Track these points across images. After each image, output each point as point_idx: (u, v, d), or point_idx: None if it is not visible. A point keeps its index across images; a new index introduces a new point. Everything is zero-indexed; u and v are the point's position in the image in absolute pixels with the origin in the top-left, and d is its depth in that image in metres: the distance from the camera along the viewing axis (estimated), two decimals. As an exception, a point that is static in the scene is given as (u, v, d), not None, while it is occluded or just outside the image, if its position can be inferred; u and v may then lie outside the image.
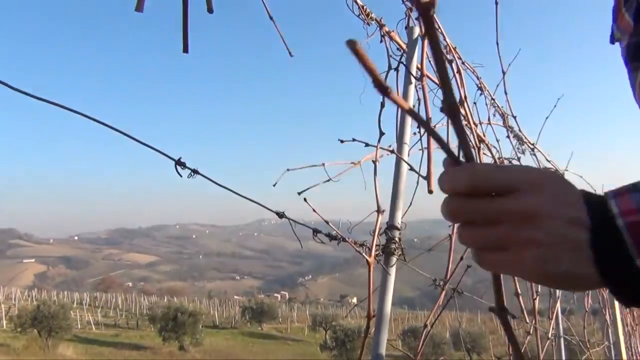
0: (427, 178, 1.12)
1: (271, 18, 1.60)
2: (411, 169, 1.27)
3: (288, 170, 2.10)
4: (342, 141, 1.43)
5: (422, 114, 1.51)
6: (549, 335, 2.68)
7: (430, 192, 1.10)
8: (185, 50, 0.80)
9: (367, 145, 1.36)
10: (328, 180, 1.88)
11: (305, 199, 1.28)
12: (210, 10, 0.73)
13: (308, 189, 1.83)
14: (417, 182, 1.20)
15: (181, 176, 0.79)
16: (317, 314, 27.89)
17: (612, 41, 0.89)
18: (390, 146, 1.77)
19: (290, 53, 1.64)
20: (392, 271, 1.23)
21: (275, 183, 2.04)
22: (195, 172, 0.82)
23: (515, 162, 2.94)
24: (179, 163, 0.78)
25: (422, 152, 1.75)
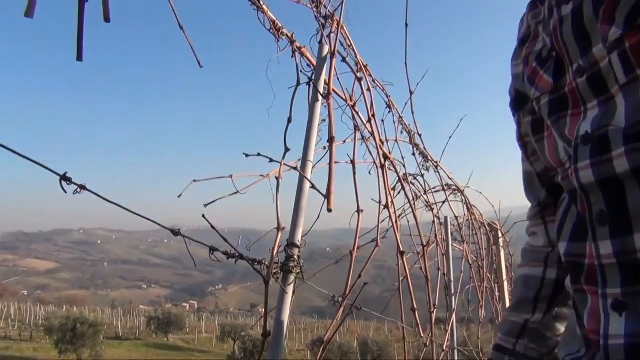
0: (327, 196, 1.14)
1: (181, 27, 1.57)
2: (313, 187, 1.28)
3: (195, 181, 2.06)
4: (247, 155, 1.42)
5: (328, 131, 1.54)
6: (444, 347, 2.81)
7: (329, 210, 1.12)
8: (80, 58, 0.76)
9: (271, 160, 1.36)
10: (235, 193, 1.86)
11: (203, 215, 1.26)
12: (107, 19, 0.70)
13: (214, 201, 1.79)
14: (323, 203, 1.22)
15: (66, 192, 0.74)
16: (226, 324, 27.46)
17: (513, 105, 0.98)
18: (299, 161, 1.78)
19: (199, 64, 1.61)
20: (290, 289, 1.24)
21: (180, 194, 1.99)
22: (82, 187, 0.77)
23: (419, 179, 3.07)
24: (64, 178, 0.74)
25: (329, 167, 1.78)
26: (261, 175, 1.92)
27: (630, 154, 0.64)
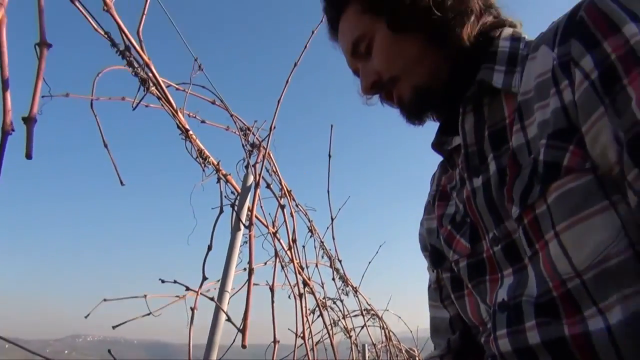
0: (242, 331, 1.11)
1: (105, 146, 1.58)
2: (228, 319, 1.26)
3: (105, 300, 1.96)
4: (163, 281, 1.39)
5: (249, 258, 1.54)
6: None
7: (243, 346, 1.09)
8: (29, 156, 0.74)
9: (187, 289, 1.33)
10: (148, 314, 1.78)
11: (109, 350, 1.19)
12: (28, 156, 0.70)
13: (124, 322, 1.70)
14: (235, 336, 1.18)
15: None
16: None
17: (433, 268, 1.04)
18: (218, 281, 1.75)
19: (121, 182, 1.61)
20: None
21: (88, 314, 1.87)
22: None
23: (338, 303, 3.07)
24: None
25: (245, 300, 1.76)
26: (177, 297, 1.86)
27: (540, 327, 0.69)
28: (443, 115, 0.98)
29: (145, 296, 1.88)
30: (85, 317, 1.89)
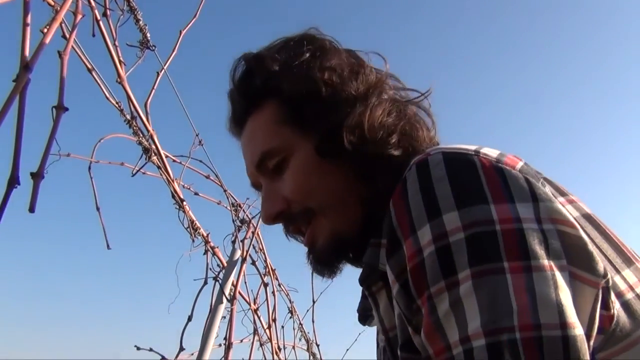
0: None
1: (98, 209, 1.62)
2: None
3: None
4: (138, 348, 1.37)
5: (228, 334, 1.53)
6: None
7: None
8: (32, 210, 0.77)
9: (163, 358, 1.31)
10: (116, 385, 1.73)
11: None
12: (32, 209, 0.74)
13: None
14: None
15: None
16: None
17: None
18: (192, 354, 1.72)
19: (108, 246, 1.62)
20: None
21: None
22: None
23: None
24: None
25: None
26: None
27: None
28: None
29: (114, 366, 1.84)
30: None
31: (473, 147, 0.62)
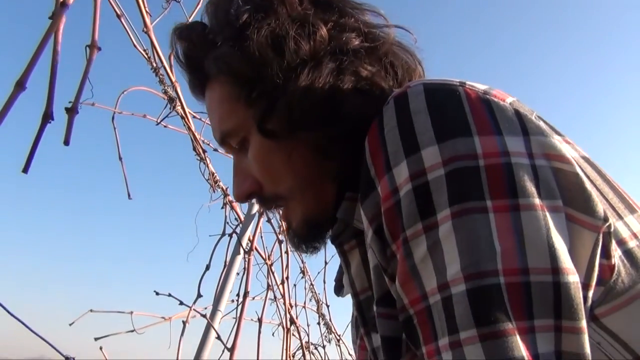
0: (231, 350, 1.13)
1: (120, 159, 1.64)
2: (218, 337, 1.28)
3: (91, 311, 1.96)
4: (157, 293, 1.41)
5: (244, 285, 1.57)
6: None
7: (231, 364, 1.11)
8: (25, 170, 0.80)
9: (181, 303, 1.35)
10: (132, 331, 1.78)
11: (101, 348, 1.20)
12: (67, 142, 0.76)
13: (107, 336, 1.71)
14: (222, 352, 1.20)
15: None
16: None
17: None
18: (205, 308, 1.77)
19: (129, 195, 1.66)
20: None
21: (73, 322, 1.88)
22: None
23: (320, 349, 3.04)
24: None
25: (235, 321, 1.77)
26: (162, 318, 1.87)
27: None
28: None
29: (131, 313, 1.89)
30: (70, 324, 1.89)
31: (458, 80, 0.56)
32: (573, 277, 0.45)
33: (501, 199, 0.47)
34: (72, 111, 0.79)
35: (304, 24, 0.67)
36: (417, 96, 0.54)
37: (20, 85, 0.79)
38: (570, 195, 0.49)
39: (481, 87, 0.55)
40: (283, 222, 0.79)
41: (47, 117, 0.80)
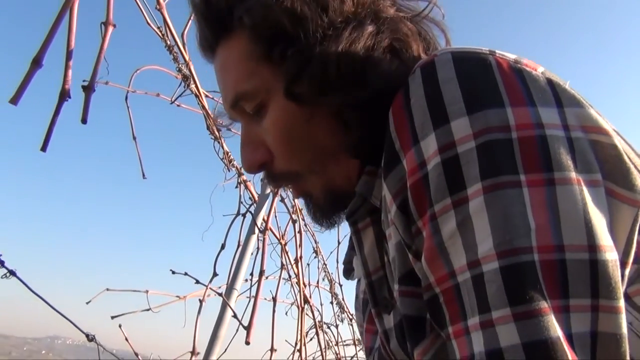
0: (248, 328, 1.14)
1: (134, 138, 1.64)
2: (234, 316, 1.29)
3: (107, 290, 1.99)
4: (173, 272, 1.42)
5: (258, 264, 1.57)
6: None
7: (247, 343, 1.11)
8: (44, 149, 0.79)
9: (197, 282, 1.36)
10: (148, 310, 1.80)
11: (120, 325, 1.21)
12: (84, 120, 0.75)
13: (123, 314, 1.73)
14: (237, 330, 1.21)
15: (-4, 274, 0.72)
16: None
17: None
18: (220, 287, 1.78)
19: (143, 175, 1.66)
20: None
21: (90, 301, 1.90)
22: (12, 273, 0.76)
23: (333, 329, 3.07)
24: (-4, 259, 0.73)
25: (249, 300, 1.79)
26: (177, 297, 1.89)
27: None
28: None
29: (147, 291, 1.91)
30: (87, 302, 1.92)
31: (487, 48, 0.53)
32: (611, 255, 0.43)
33: (535, 172, 0.45)
34: (88, 89, 0.79)
35: None
36: (445, 65, 0.51)
37: (36, 63, 0.78)
38: (609, 168, 0.47)
39: (511, 56, 0.53)
40: (297, 199, 0.74)
41: (64, 94, 0.79)
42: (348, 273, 0.81)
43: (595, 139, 0.47)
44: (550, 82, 0.50)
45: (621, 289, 0.43)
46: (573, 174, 0.45)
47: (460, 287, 0.46)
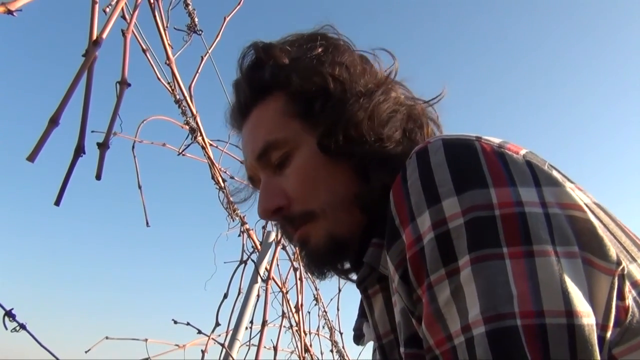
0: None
1: (140, 187, 1.67)
2: (237, 366, 1.28)
3: (107, 338, 1.97)
4: (175, 322, 1.42)
5: (259, 312, 1.58)
6: None
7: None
8: (57, 203, 0.82)
9: (199, 332, 1.36)
10: (147, 359, 1.79)
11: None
12: (98, 177, 0.78)
13: (123, 361, 1.71)
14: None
15: (6, 329, 0.73)
16: None
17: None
18: (220, 336, 1.77)
19: (147, 223, 1.68)
20: None
21: (89, 350, 1.89)
22: (22, 327, 0.77)
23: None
24: (8, 314, 0.74)
25: (249, 347, 1.77)
26: (177, 345, 1.88)
27: None
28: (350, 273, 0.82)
29: (146, 340, 1.90)
30: (86, 352, 1.91)
31: (474, 135, 0.60)
32: (587, 320, 0.46)
33: (516, 245, 0.49)
34: (103, 146, 0.82)
35: (366, 66, 0.78)
36: (437, 151, 0.58)
37: (53, 122, 0.82)
38: (585, 240, 0.51)
39: (496, 140, 0.58)
40: (298, 244, 0.76)
41: (79, 150, 0.82)
42: (358, 339, 0.85)
43: (571, 214, 0.52)
44: (529, 164, 0.55)
45: (597, 351, 0.45)
46: (550, 247, 0.49)
47: (457, 349, 0.49)
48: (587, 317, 0.46)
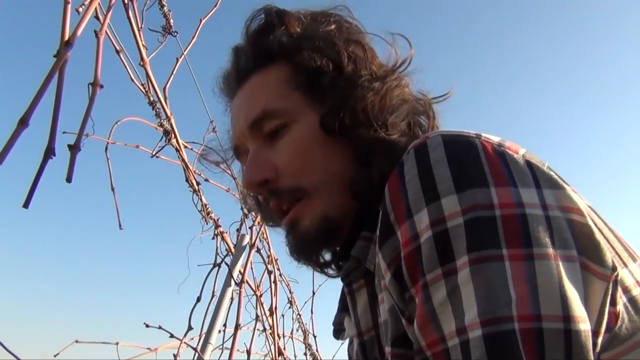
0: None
1: (113, 190, 1.65)
2: (210, 370, 1.28)
3: (77, 342, 1.94)
4: (147, 325, 1.40)
5: (232, 316, 1.57)
6: None
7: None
8: (26, 205, 0.80)
9: (172, 336, 1.35)
10: (117, 363, 1.76)
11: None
12: (69, 179, 0.77)
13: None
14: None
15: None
16: None
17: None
18: (192, 339, 1.76)
19: (120, 226, 1.66)
20: None
21: (58, 354, 1.85)
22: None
23: (306, 382, 3.02)
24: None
25: (222, 351, 1.76)
26: (148, 349, 1.85)
27: None
28: (334, 263, 0.81)
29: (117, 343, 1.87)
30: (55, 355, 1.87)
31: (474, 132, 0.59)
32: (584, 325, 0.46)
33: (516, 248, 0.49)
34: (74, 148, 0.81)
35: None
36: (436, 147, 0.56)
37: (23, 123, 0.80)
38: (583, 245, 0.51)
39: (495, 139, 0.58)
40: (286, 226, 0.73)
41: (49, 152, 0.81)
42: (338, 334, 0.83)
43: (571, 218, 0.52)
44: (529, 165, 0.54)
45: (592, 357, 0.46)
46: (550, 250, 0.49)
47: (450, 351, 0.49)
48: (584, 322, 0.46)
